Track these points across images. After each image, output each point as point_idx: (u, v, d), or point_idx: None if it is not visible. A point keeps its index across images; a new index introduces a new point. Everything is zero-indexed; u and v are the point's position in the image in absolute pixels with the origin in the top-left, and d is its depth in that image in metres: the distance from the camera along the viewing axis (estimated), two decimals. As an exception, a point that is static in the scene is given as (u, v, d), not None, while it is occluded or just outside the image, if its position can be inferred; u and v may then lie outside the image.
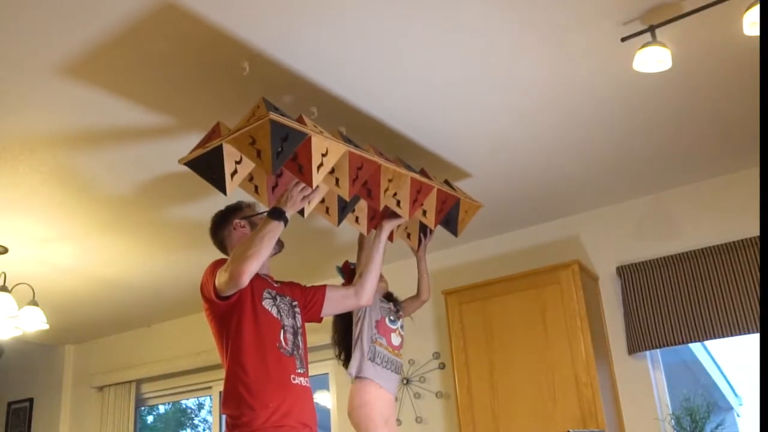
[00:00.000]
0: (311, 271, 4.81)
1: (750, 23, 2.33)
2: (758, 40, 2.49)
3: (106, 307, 5.29)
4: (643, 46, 2.50)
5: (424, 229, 3.37)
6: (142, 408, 6.10)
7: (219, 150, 2.35)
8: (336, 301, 2.81)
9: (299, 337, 2.58)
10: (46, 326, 4.36)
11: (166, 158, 3.22)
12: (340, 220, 2.95)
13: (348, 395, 3.08)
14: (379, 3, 2.33)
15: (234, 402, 2.39)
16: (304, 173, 2.44)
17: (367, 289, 2.84)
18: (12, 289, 4.14)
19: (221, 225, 2.71)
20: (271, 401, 2.36)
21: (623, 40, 2.54)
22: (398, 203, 2.96)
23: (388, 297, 3.36)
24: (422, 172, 3.08)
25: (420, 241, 3.40)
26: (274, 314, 2.51)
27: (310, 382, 2.56)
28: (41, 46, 2.43)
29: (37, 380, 6.34)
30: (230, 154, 2.37)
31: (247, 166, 2.45)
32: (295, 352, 2.52)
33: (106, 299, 5.11)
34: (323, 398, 5.15)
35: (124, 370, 5.83)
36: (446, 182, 3.28)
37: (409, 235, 3.40)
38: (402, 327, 3.28)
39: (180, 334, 5.63)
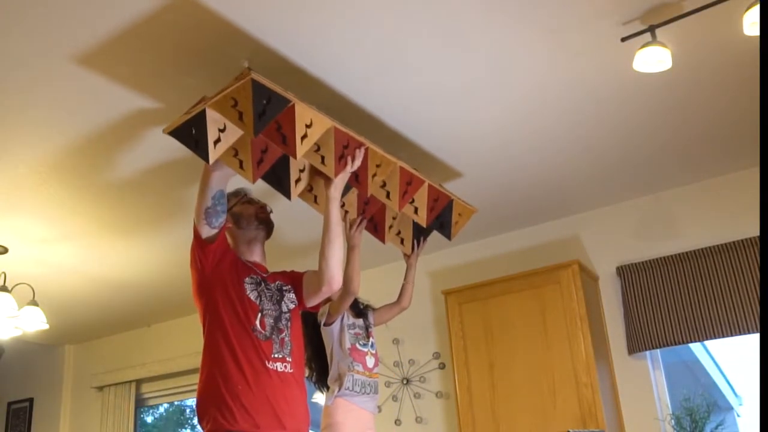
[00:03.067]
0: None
1: (750, 23, 2.33)
2: (758, 40, 2.49)
3: (106, 307, 5.29)
4: (643, 46, 2.50)
5: (417, 235, 3.33)
6: (141, 408, 6.10)
7: (202, 117, 2.32)
8: (310, 284, 2.65)
9: (282, 323, 2.52)
10: (46, 326, 4.36)
11: (167, 158, 3.22)
12: None
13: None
14: (380, 2, 2.34)
15: (205, 381, 2.40)
16: (288, 144, 2.42)
17: (330, 273, 2.54)
18: (12, 289, 4.14)
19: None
20: (239, 383, 2.35)
21: (623, 40, 2.54)
22: (388, 195, 2.92)
23: (358, 310, 3.29)
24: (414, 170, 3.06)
25: (413, 247, 3.35)
26: (253, 298, 2.50)
27: (291, 367, 2.47)
28: (42, 46, 2.44)
29: (37, 380, 6.34)
30: (213, 120, 2.33)
31: (232, 134, 2.39)
32: (273, 336, 2.47)
33: (106, 299, 5.11)
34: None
35: (124, 370, 5.83)
36: (440, 185, 3.25)
37: (402, 241, 3.34)
38: (373, 345, 3.21)
39: (180, 334, 5.63)
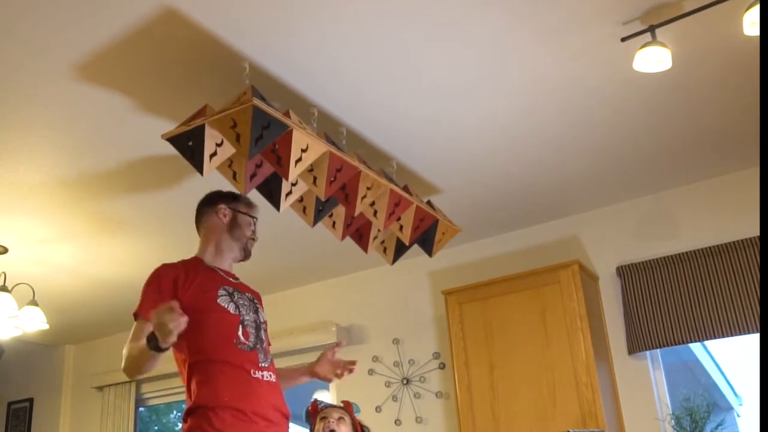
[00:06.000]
0: (291, 274, 4.83)
1: (750, 23, 2.33)
2: (758, 40, 2.49)
3: (106, 307, 5.29)
4: (643, 46, 2.50)
5: (399, 248, 3.40)
6: (141, 408, 6.10)
7: (201, 130, 2.38)
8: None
9: (262, 333, 2.47)
10: (46, 326, 4.36)
11: (167, 159, 3.22)
12: (315, 221, 2.99)
13: None
14: (376, 3, 2.34)
15: (191, 397, 2.32)
16: (282, 165, 2.48)
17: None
18: (12, 289, 4.14)
19: (208, 203, 2.57)
20: (226, 394, 2.27)
21: (623, 40, 2.54)
22: (375, 213, 3.01)
23: None
24: (405, 188, 3.14)
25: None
26: (231, 310, 2.40)
27: (275, 377, 2.44)
28: (45, 48, 2.44)
29: (37, 380, 6.34)
30: (211, 135, 2.39)
31: (228, 150, 2.46)
32: (258, 346, 2.41)
33: (106, 299, 5.11)
34: (323, 398, 5.14)
35: (124, 370, 5.83)
36: (428, 203, 3.35)
37: (385, 250, 3.43)
38: None
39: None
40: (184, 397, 6.30)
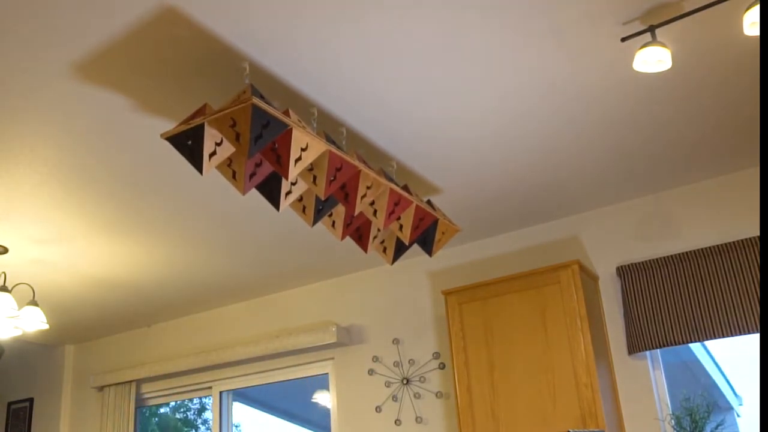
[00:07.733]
0: (291, 274, 4.83)
1: (750, 23, 2.33)
2: (758, 40, 2.49)
3: (106, 307, 5.29)
4: (643, 46, 2.50)
5: (399, 247, 3.43)
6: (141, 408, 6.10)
7: (201, 129, 2.39)
8: None
9: None
10: (46, 326, 4.36)
11: (166, 159, 3.23)
12: (315, 221, 3.00)
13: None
14: (377, 3, 2.34)
15: None
16: (281, 164, 2.50)
17: None
18: (12, 289, 4.14)
19: None
20: None
21: (623, 40, 2.54)
22: (375, 212, 3.03)
23: None
24: (404, 188, 3.15)
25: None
26: None
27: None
28: (44, 48, 2.44)
29: (37, 380, 6.34)
30: (211, 135, 2.41)
31: (227, 149, 2.48)
32: None
33: (106, 299, 5.11)
34: (323, 398, 5.15)
35: (124, 370, 5.83)
36: (428, 202, 3.37)
37: (384, 249, 3.45)
38: None
39: (180, 334, 5.63)
40: (184, 396, 6.31)
